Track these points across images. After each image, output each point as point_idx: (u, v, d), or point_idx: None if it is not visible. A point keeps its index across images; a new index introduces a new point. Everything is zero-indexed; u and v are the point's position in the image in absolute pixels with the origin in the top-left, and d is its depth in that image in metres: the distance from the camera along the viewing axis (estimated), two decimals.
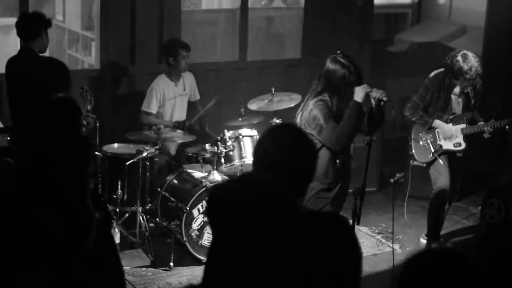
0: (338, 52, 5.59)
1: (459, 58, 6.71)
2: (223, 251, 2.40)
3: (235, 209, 2.36)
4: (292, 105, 7.36)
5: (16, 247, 2.20)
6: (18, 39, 6.93)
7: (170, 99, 7.72)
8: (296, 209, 2.45)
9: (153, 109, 7.65)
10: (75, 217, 2.63)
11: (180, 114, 7.83)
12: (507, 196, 6.37)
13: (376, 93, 5.34)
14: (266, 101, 7.40)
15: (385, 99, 5.33)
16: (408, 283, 2.43)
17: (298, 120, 5.51)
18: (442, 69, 6.93)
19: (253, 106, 7.41)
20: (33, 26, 6.67)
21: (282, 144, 3.27)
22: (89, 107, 6.43)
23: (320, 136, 5.32)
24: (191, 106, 8.01)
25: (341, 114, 5.38)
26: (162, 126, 6.99)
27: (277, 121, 7.30)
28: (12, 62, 6.75)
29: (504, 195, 4.18)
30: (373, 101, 5.38)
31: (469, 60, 6.68)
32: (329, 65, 5.45)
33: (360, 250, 2.57)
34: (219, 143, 6.89)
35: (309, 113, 5.37)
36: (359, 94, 5.33)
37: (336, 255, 2.48)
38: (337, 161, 5.46)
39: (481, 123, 7.00)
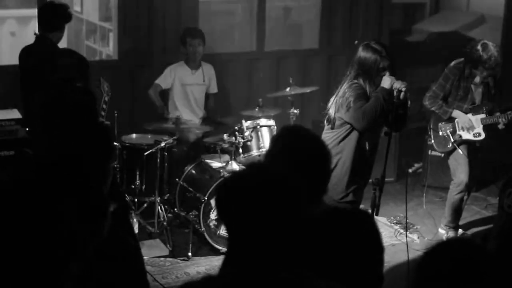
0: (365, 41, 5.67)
1: (479, 47, 6.67)
2: (234, 242, 2.39)
3: (241, 197, 2.35)
4: (308, 91, 7.41)
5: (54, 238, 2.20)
6: (35, 30, 6.94)
7: (186, 84, 7.77)
8: (305, 197, 2.42)
9: (161, 82, 7.73)
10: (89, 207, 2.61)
11: (198, 104, 7.86)
12: None
13: (397, 84, 5.40)
14: (286, 90, 7.45)
15: (403, 89, 5.37)
16: (426, 273, 2.42)
17: (331, 107, 5.54)
18: (462, 59, 6.90)
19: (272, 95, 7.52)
20: (57, 18, 6.69)
21: (291, 151, 3.29)
22: (106, 99, 6.44)
23: (348, 113, 5.37)
24: (205, 98, 8.03)
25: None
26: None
27: (295, 111, 7.32)
28: (28, 51, 6.77)
29: None
30: (395, 92, 5.42)
31: (489, 50, 6.65)
32: (361, 52, 5.54)
33: (382, 246, 2.57)
34: (237, 133, 6.88)
35: (343, 95, 5.46)
36: (386, 81, 5.42)
37: (358, 251, 2.48)
38: (366, 144, 5.51)
39: (498, 113, 6.97)
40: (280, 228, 2.30)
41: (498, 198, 7.21)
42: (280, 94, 7.66)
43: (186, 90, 7.78)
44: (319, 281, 2.31)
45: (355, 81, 5.49)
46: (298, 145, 3.33)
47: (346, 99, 5.41)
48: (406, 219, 6.72)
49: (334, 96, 5.57)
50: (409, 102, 5.57)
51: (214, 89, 8.06)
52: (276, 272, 2.28)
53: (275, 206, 2.30)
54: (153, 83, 7.74)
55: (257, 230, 2.30)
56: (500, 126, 6.91)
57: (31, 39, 6.88)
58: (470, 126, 6.95)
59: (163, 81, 7.73)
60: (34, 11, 7.71)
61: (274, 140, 3.46)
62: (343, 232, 2.51)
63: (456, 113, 6.97)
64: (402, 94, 5.39)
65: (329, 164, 3.38)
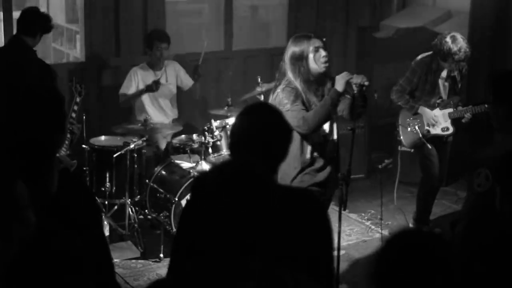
0: None
1: (448, 39, 6.70)
2: (200, 238, 2.39)
3: (212, 191, 2.35)
4: None
5: None
6: (2, 33, 6.90)
7: None
8: (273, 186, 2.42)
9: (126, 89, 7.70)
10: None
11: (167, 104, 7.83)
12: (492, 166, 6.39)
13: (356, 79, 5.26)
14: (257, 90, 7.41)
15: (366, 83, 5.29)
16: (384, 262, 2.44)
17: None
18: (429, 53, 6.93)
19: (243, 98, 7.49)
20: (36, 26, 6.65)
21: (257, 123, 3.26)
22: (78, 100, 6.41)
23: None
24: (186, 95, 7.99)
25: (310, 91, 5.31)
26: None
27: None
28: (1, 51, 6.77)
29: (490, 165, 4.23)
30: (354, 87, 5.31)
31: (458, 42, 6.68)
32: (290, 44, 5.42)
33: (330, 226, 2.57)
34: (206, 133, 6.86)
35: (275, 97, 5.29)
36: (340, 82, 5.24)
37: (307, 231, 2.49)
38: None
39: (460, 108, 6.99)
40: (250, 217, 2.30)
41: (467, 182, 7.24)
42: (250, 96, 7.58)
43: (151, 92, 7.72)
44: (286, 272, 2.31)
45: (287, 80, 5.30)
46: (263, 119, 3.29)
47: (279, 104, 5.17)
48: (381, 214, 6.74)
49: (272, 92, 5.43)
50: (375, 95, 5.51)
51: (188, 84, 7.99)
52: (244, 262, 2.28)
53: (250, 197, 2.30)
54: (120, 96, 7.71)
55: (231, 219, 2.29)
56: (464, 120, 6.94)
57: None
58: (436, 122, 6.99)
59: (127, 88, 7.67)
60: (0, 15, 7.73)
61: (239, 116, 3.41)
62: (292, 211, 2.52)
63: (422, 109, 7.00)
64: (364, 88, 5.30)
65: (290, 140, 3.33)
